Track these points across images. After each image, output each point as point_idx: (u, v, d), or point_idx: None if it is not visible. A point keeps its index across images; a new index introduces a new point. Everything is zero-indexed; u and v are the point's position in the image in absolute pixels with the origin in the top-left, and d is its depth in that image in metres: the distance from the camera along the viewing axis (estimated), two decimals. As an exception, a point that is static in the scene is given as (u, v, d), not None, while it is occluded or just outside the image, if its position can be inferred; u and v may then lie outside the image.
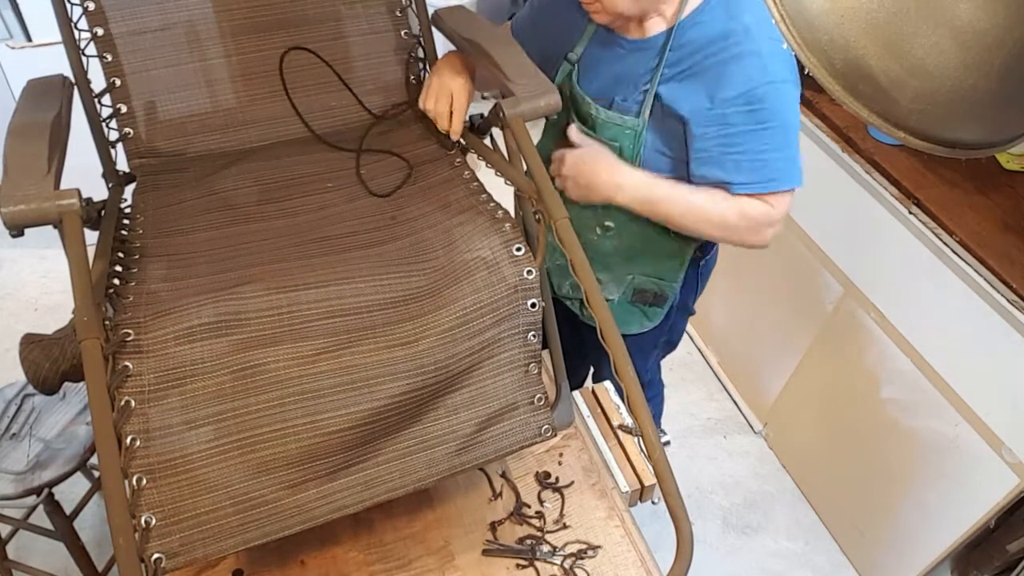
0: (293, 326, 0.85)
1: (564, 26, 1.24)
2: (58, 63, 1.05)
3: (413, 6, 1.21)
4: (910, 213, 1.59)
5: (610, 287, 1.36)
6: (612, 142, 1.19)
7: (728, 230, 1.17)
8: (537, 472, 1.16)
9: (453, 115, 1.11)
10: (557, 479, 1.15)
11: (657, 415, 1.85)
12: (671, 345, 1.61)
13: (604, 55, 1.19)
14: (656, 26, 1.13)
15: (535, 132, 1.24)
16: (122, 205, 1.05)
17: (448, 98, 1.11)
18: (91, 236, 0.89)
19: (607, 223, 1.28)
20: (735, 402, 2.39)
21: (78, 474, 1.50)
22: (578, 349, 1.57)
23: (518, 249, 0.93)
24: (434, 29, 1.21)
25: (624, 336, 0.85)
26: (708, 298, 2.39)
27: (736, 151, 1.12)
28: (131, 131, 1.10)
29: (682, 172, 1.18)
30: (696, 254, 1.37)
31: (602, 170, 1.16)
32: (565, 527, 1.09)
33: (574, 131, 1.20)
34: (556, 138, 1.32)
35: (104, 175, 1.10)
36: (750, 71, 1.07)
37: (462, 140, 1.13)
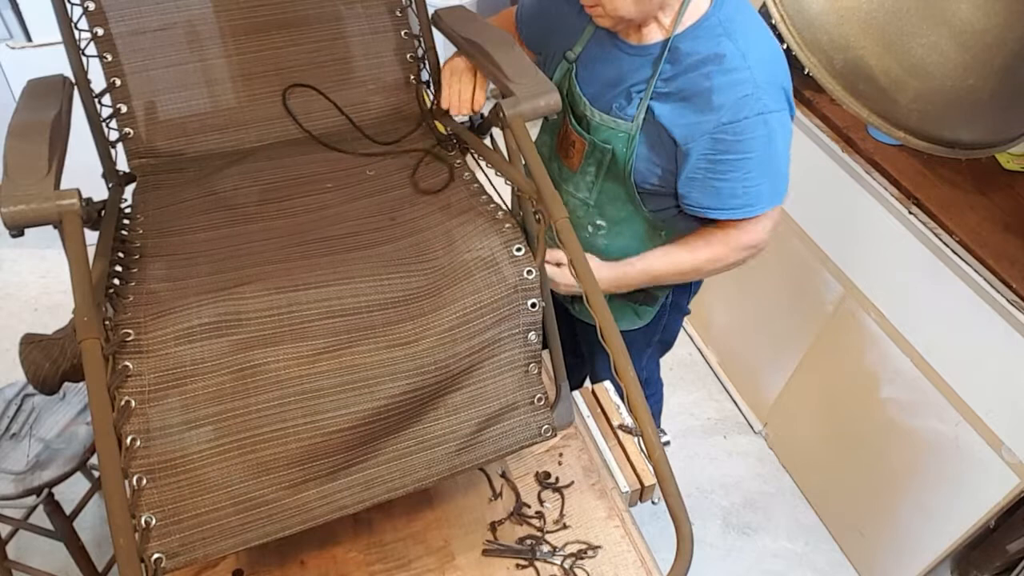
0: (293, 326, 0.85)
1: (565, 21, 1.24)
2: (58, 63, 1.05)
3: (413, 6, 1.21)
4: (910, 213, 1.59)
5: None
6: (605, 144, 1.19)
7: (718, 264, 1.21)
8: (537, 472, 1.16)
9: (475, 92, 1.14)
10: (557, 479, 1.15)
11: (656, 414, 1.85)
12: (666, 345, 1.60)
13: (602, 56, 1.19)
14: (653, 34, 1.13)
15: (533, 130, 1.24)
16: (122, 205, 1.05)
17: (460, 85, 1.14)
18: (91, 236, 0.89)
19: (599, 221, 1.29)
20: (735, 402, 2.39)
21: (78, 474, 1.50)
22: (574, 348, 1.57)
23: (518, 249, 0.93)
24: (434, 29, 1.21)
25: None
26: (708, 298, 2.39)
27: (721, 178, 1.12)
28: (131, 131, 1.10)
29: (669, 185, 1.18)
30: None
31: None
32: (565, 527, 1.09)
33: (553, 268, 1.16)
34: (553, 135, 1.32)
35: (104, 175, 1.10)
36: (742, 100, 1.07)
37: (462, 140, 1.13)
